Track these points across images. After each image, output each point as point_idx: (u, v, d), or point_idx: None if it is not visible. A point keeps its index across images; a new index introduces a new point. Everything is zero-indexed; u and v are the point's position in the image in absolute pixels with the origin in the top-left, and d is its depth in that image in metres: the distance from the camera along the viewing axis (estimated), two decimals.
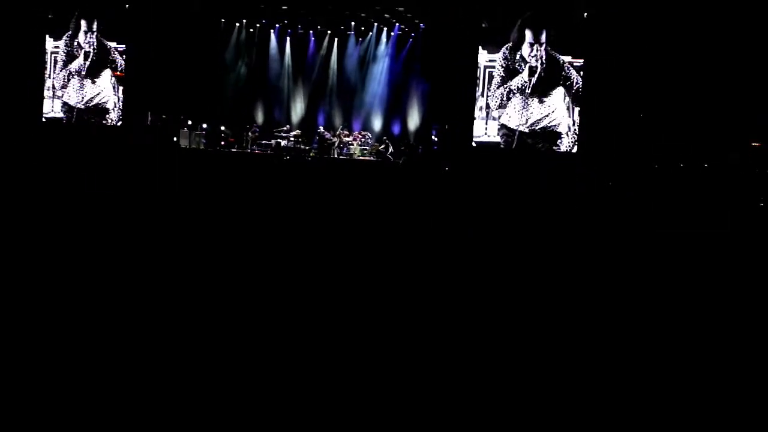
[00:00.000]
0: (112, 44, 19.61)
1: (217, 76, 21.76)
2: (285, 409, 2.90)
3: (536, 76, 16.76)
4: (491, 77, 17.37)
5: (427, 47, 20.51)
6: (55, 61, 20.05)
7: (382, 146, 19.89)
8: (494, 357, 3.68)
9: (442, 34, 18.92)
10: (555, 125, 16.69)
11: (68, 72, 19.89)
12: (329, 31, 22.28)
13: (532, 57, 16.80)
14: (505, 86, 17.07)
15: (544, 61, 16.74)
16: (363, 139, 20.60)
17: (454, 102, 17.94)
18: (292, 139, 20.68)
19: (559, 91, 16.69)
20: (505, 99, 17.07)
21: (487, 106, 17.31)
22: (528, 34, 16.83)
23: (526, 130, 16.92)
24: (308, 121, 22.17)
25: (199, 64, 20.64)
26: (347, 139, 20.65)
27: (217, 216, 8.31)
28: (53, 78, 20.04)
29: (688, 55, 15.18)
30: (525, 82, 16.87)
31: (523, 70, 16.92)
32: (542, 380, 3.39)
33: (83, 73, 19.75)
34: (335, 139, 20.69)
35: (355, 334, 3.90)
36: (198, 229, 7.13)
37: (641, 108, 15.83)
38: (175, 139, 19.42)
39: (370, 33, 21.89)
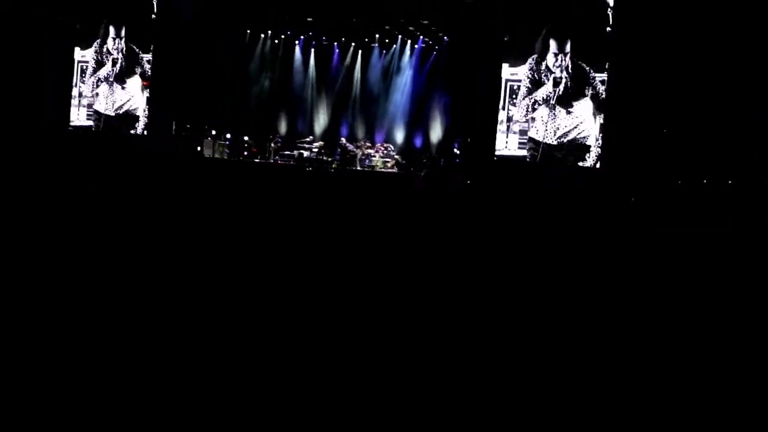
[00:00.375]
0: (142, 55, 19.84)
1: (241, 86, 21.94)
2: (289, 410, 2.91)
3: (561, 86, 16.62)
4: (513, 91, 17.31)
5: (451, 60, 20.53)
6: (83, 70, 20.30)
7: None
8: (513, 365, 3.66)
9: (466, 48, 18.93)
10: (584, 137, 16.50)
11: (97, 79, 20.12)
12: (353, 43, 22.39)
13: (557, 67, 16.68)
14: (530, 97, 16.98)
15: (569, 71, 16.59)
16: (385, 151, 20.62)
17: (477, 115, 17.91)
18: (314, 150, 20.76)
19: (586, 102, 16.51)
20: (530, 110, 16.96)
21: (509, 119, 17.24)
22: (552, 44, 16.72)
23: (554, 143, 16.77)
24: (331, 133, 22.26)
25: (224, 74, 20.83)
26: (369, 150, 20.69)
27: (236, 225, 8.36)
28: (79, 86, 20.29)
29: (714, 70, 15.04)
30: (549, 92, 16.74)
31: (548, 81, 16.81)
32: (561, 385, 3.38)
33: (111, 79, 19.98)
34: (358, 151, 20.74)
35: (370, 341, 3.90)
36: (217, 237, 7.17)
37: (665, 123, 15.70)
38: (198, 148, 19.58)
39: (394, 45, 21.97)
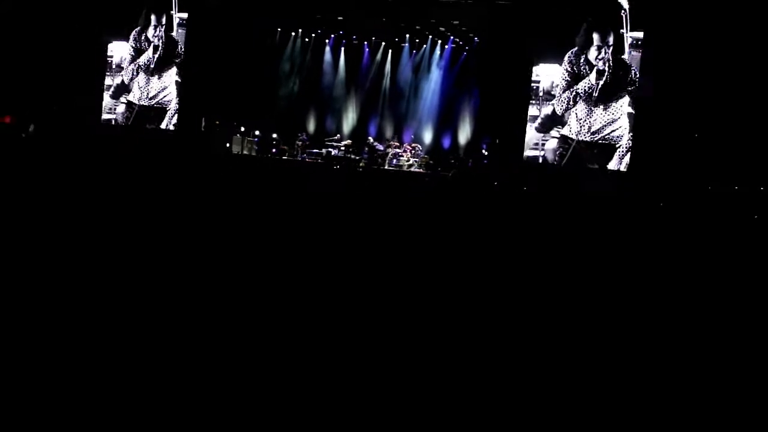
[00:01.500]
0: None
1: (271, 84, 22.05)
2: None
3: (604, 79, 16.34)
4: (536, 92, 17.16)
5: (481, 61, 20.48)
6: (119, 60, 20.45)
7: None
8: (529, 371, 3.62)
9: (496, 48, 18.86)
10: (618, 136, 16.27)
11: (137, 66, 20.27)
12: (383, 43, 22.40)
13: (600, 60, 16.41)
14: (571, 90, 16.71)
15: (611, 64, 16.34)
16: (414, 151, 20.58)
17: (506, 116, 17.82)
18: (342, 148, 20.80)
19: (625, 99, 16.28)
20: (571, 103, 16.70)
21: (552, 115, 16.94)
22: (596, 37, 16.47)
23: (588, 139, 16.53)
24: (359, 132, 22.30)
25: (254, 71, 20.94)
26: (398, 150, 20.68)
27: (258, 221, 8.36)
28: (116, 74, 20.40)
29: (747, 74, 14.83)
30: (592, 85, 16.44)
31: (588, 73, 16.54)
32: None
33: (152, 67, 20.11)
34: (386, 150, 20.75)
35: (384, 341, 3.88)
36: (238, 233, 7.18)
37: (696, 128, 15.50)
38: (227, 144, 19.71)
39: (425, 45, 21.95)
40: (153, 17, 20.02)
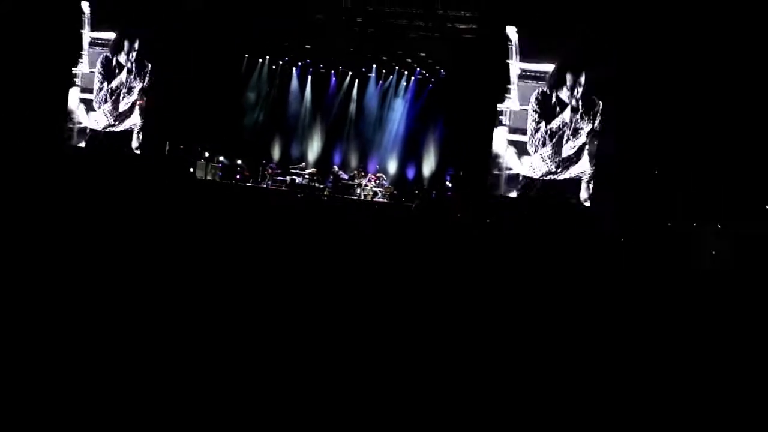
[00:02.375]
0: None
1: (236, 110, 22.00)
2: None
3: (578, 116, 16.48)
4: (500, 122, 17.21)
5: (446, 93, 20.66)
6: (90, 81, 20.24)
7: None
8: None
9: (461, 81, 19.02)
10: (581, 172, 16.41)
11: (109, 90, 20.05)
12: (350, 72, 22.54)
13: (572, 98, 16.55)
14: (544, 129, 16.78)
15: (582, 103, 16.50)
16: (378, 181, 20.62)
17: (470, 149, 17.89)
18: (307, 176, 20.78)
19: (584, 135, 16.46)
20: (547, 142, 16.76)
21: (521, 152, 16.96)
22: (569, 77, 16.62)
23: (554, 177, 16.62)
24: (324, 160, 22.33)
25: (220, 97, 20.87)
26: (362, 180, 20.70)
27: (221, 247, 8.29)
28: (93, 94, 20.18)
29: (708, 110, 15.10)
30: (566, 123, 16.59)
31: (559, 113, 16.65)
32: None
33: (123, 91, 19.91)
34: (351, 179, 20.77)
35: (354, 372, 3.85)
36: (202, 259, 7.11)
37: (655, 163, 15.73)
38: (191, 170, 19.55)
39: (391, 76, 22.13)
40: (126, 42, 19.88)
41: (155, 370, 3.51)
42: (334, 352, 4.31)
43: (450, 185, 19.21)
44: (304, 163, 21.78)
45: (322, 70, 22.75)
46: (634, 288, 9.40)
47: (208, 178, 20.19)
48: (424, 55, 20.97)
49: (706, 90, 15.05)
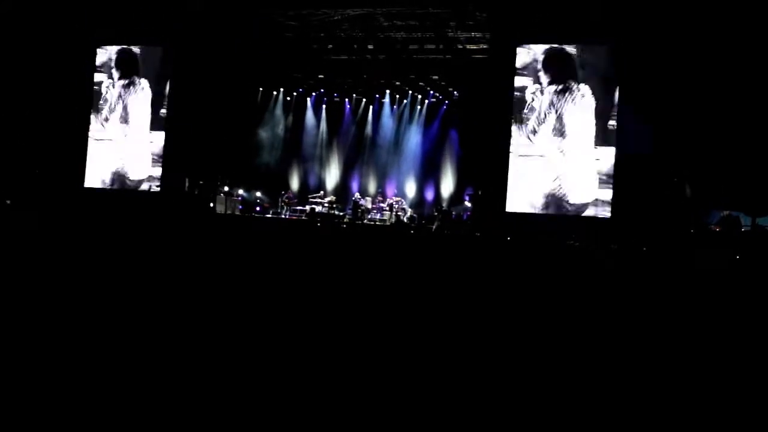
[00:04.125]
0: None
1: (254, 142, 22.23)
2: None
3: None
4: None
5: (460, 114, 20.80)
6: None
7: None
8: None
9: (475, 102, 19.12)
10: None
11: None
12: (364, 99, 22.74)
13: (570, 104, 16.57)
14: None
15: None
16: (397, 205, 20.69)
17: (487, 168, 17.89)
18: (326, 204, 20.89)
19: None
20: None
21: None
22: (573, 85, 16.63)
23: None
24: (342, 187, 22.49)
25: (237, 130, 21.10)
26: (381, 204, 20.78)
27: (244, 280, 8.36)
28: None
29: (728, 117, 15.05)
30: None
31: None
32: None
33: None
34: (369, 205, 20.86)
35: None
36: (225, 292, 7.18)
37: (676, 172, 15.66)
38: (211, 204, 19.73)
39: (405, 100, 22.28)
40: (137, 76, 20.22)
41: (171, 392, 3.56)
42: (346, 369, 4.35)
43: (469, 204, 19.21)
44: (322, 192, 21.92)
45: (337, 99, 22.96)
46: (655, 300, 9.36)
47: (229, 212, 20.36)
48: (436, 77, 21.12)
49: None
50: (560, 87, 16.72)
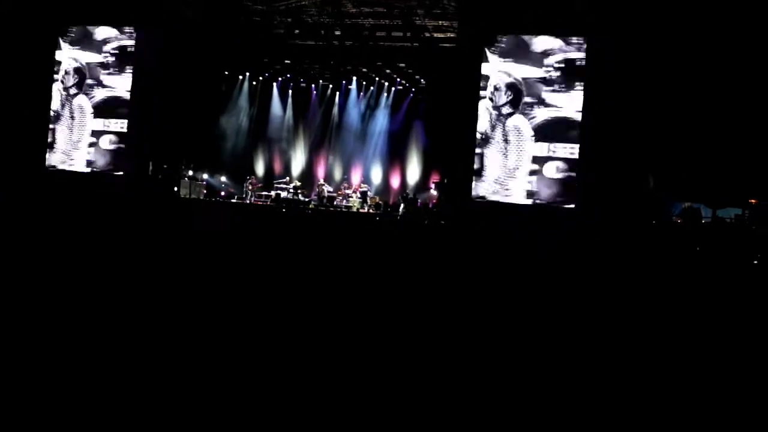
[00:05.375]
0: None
1: (219, 127, 22.04)
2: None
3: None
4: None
5: (427, 102, 20.82)
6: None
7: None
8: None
9: (442, 90, 19.14)
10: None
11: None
12: (331, 85, 22.66)
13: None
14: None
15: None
16: (362, 192, 20.68)
17: (453, 156, 17.91)
18: (291, 190, 20.81)
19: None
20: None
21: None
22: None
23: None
24: (308, 173, 22.44)
25: (202, 115, 20.87)
26: (347, 191, 20.77)
27: (208, 264, 8.32)
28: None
29: (690, 109, 15.25)
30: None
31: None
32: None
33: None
34: (334, 192, 20.84)
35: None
36: (192, 276, 7.13)
37: (639, 163, 15.83)
38: (175, 188, 19.52)
39: (372, 87, 22.23)
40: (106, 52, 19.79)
41: (150, 372, 3.54)
42: (325, 351, 4.35)
43: (435, 192, 19.27)
44: (288, 177, 21.82)
45: (303, 85, 22.86)
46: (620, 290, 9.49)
47: (193, 196, 20.16)
48: (403, 65, 21.09)
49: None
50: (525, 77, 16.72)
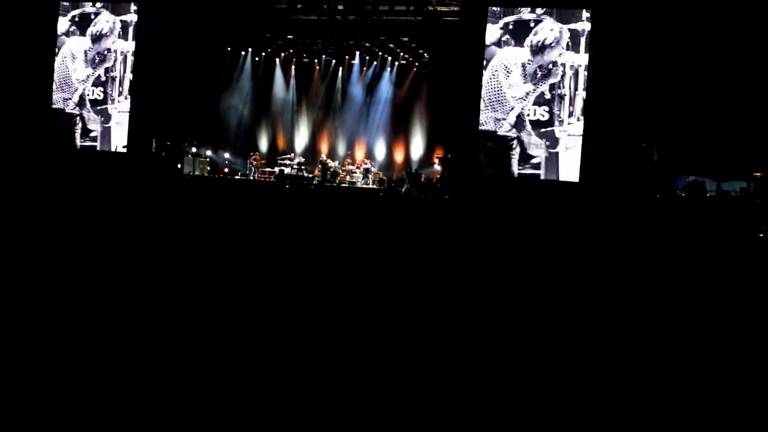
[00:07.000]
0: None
1: (221, 103, 21.96)
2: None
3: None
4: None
5: (431, 77, 20.70)
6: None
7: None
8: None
9: (446, 64, 19.01)
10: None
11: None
12: (334, 61, 22.53)
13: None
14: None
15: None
16: (366, 167, 20.65)
17: (457, 131, 17.83)
18: (295, 166, 20.78)
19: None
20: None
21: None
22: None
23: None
24: (312, 149, 22.37)
25: (205, 91, 20.78)
26: (350, 167, 20.73)
27: (213, 241, 8.31)
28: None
29: (694, 82, 15.17)
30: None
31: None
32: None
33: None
34: (338, 167, 20.80)
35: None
36: (194, 252, 7.13)
37: (644, 136, 15.77)
38: (179, 165, 19.50)
39: (375, 62, 22.10)
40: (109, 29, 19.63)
41: (150, 368, 3.54)
42: (324, 345, 4.35)
43: (439, 167, 19.21)
44: (292, 154, 21.78)
45: (306, 60, 22.74)
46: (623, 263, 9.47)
47: (197, 173, 20.15)
48: (406, 39, 20.93)
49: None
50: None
